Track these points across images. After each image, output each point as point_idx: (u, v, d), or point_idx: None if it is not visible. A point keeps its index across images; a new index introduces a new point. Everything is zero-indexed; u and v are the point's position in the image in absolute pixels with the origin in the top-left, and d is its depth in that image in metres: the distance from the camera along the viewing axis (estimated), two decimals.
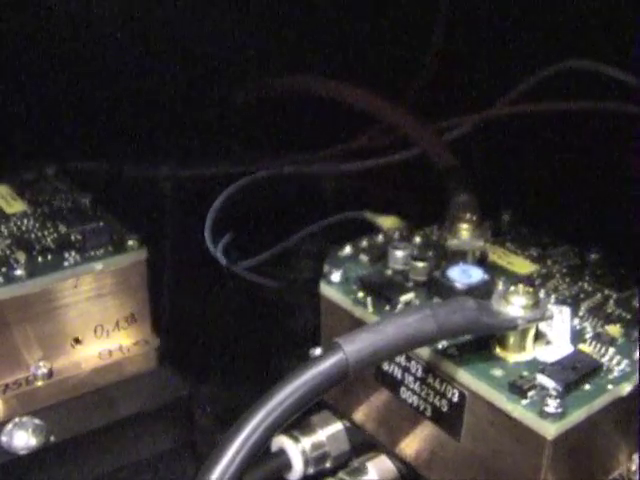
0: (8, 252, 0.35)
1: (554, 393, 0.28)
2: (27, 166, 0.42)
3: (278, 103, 0.43)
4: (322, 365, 0.25)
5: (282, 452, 0.34)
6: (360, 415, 0.34)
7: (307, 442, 0.34)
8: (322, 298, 0.35)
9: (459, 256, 0.34)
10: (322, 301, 0.35)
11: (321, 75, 0.41)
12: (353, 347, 0.26)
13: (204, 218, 0.42)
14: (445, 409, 0.30)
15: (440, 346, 0.30)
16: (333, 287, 0.34)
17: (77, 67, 0.42)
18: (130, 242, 0.36)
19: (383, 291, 0.33)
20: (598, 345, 0.30)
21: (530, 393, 0.28)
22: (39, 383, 0.35)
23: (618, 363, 0.30)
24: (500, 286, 0.33)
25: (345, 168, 0.44)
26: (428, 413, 0.31)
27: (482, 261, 0.35)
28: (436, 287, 0.33)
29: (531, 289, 0.29)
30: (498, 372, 0.29)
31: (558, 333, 0.31)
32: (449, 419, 0.30)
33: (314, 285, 0.35)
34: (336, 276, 0.34)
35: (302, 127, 0.44)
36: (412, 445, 0.32)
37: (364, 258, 0.36)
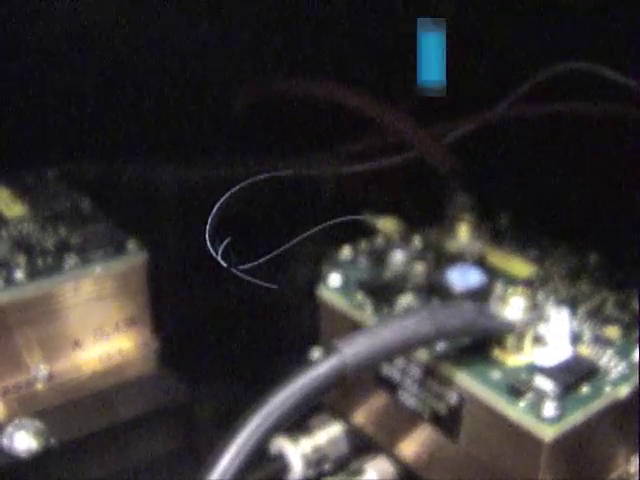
0: (8, 255, 0.35)
1: (552, 395, 0.28)
2: (27, 169, 0.42)
3: (277, 106, 0.43)
4: (320, 368, 0.25)
5: (281, 455, 0.34)
6: (359, 417, 0.35)
7: (306, 444, 0.34)
8: (321, 301, 0.35)
9: (458, 258, 0.35)
10: (321, 304, 0.35)
11: (319, 77, 0.41)
12: (351, 349, 0.26)
13: (205, 221, 0.42)
14: (443, 412, 0.30)
15: (438, 349, 0.30)
16: (332, 289, 0.34)
17: (78, 70, 0.42)
18: (130, 245, 0.36)
19: (382, 293, 0.33)
20: (596, 347, 0.31)
21: (528, 395, 0.28)
22: (39, 386, 0.35)
23: (616, 365, 0.30)
24: (498, 288, 0.33)
25: (344, 170, 0.44)
26: (426, 415, 0.31)
27: (481, 263, 0.35)
28: (435, 289, 0.33)
29: (528, 291, 0.29)
30: (496, 375, 0.29)
31: (556, 335, 0.31)
32: (447, 421, 0.30)
33: (313, 287, 0.35)
34: (335, 278, 0.35)
35: (301, 129, 0.44)
36: (411, 447, 0.32)
37: (363, 260, 0.36)
